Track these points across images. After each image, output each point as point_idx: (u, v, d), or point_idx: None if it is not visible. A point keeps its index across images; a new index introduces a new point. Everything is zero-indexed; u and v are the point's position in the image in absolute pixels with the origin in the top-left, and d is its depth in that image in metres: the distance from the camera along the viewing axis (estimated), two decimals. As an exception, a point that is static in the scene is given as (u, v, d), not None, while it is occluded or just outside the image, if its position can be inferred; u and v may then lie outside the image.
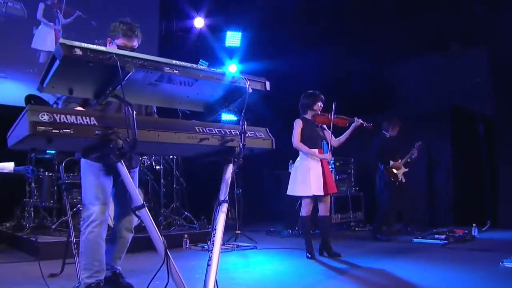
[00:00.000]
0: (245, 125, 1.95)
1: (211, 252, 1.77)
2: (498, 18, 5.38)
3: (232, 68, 6.44)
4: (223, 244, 3.21)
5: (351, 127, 3.53)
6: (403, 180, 4.94)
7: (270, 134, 2.23)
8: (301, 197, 3.40)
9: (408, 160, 5.00)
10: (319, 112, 3.53)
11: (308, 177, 3.38)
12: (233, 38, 6.35)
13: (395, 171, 4.90)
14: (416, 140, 5.17)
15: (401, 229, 4.99)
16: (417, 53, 6.08)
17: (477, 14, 5.43)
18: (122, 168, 1.63)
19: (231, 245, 4.13)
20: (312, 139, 3.48)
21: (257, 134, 2.25)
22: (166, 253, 1.59)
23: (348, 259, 3.49)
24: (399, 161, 4.98)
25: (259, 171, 6.80)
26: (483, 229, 5.13)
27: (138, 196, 1.71)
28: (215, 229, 1.81)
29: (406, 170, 4.99)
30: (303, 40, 6.29)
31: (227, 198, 1.91)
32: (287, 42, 6.33)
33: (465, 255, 3.67)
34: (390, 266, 3.17)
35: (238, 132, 1.94)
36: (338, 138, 3.60)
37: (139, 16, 4.71)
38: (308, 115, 3.54)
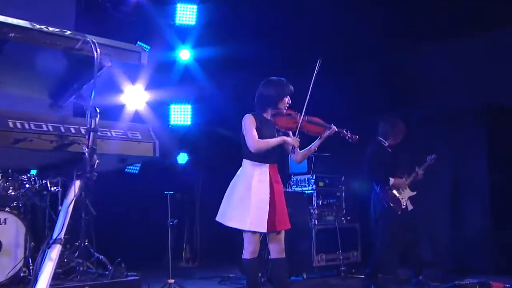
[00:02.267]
0: (97, 119, 1.71)
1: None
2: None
3: (184, 54, 6.19)
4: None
5: (321, 136, 3.20)
6: (409, 207, 4.56)
7: (153, 135, 1.85)
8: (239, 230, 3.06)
9: (412, 178, 4.62)
10: (284, 111, 3.17)
11: (247, 202, 3.03)
12: (186, 13, 6.02)
13: (396, 193, 4.52)
14: (434, 151, 4.75)
15: (409, 279, 4.65)
16: (443, 36, 5.79)
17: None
18: None
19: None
20: (266, 150, 3.11)
21: (129, 135, 1.81)
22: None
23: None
24: (403, 179, 4.59)
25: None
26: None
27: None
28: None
29: (413, 193, 4.61)
30: (287, 14, 5.89)
31: (61, 237, 1.75)
32: (265, 18, 5.94)
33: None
34: None
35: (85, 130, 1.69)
36: (302, 151, 3.25)
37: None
38: (267, 113, 3.19)
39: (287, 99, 3.16)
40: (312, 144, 3.23)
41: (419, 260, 4.65)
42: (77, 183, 1.73)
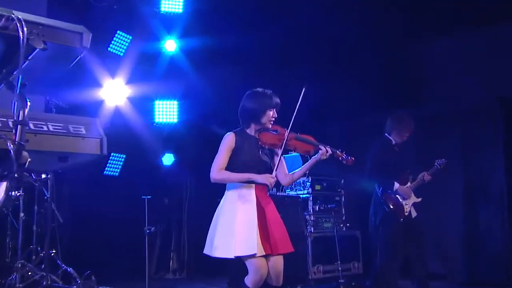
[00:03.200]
0: (26, 110, 1.55)
1: None
2: None
3: (170, 45, 6.02)
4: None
5: (312, 159, 3.08)
6: (413, 214, 4.46)
7: (100, 129, 1.68)
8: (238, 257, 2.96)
9: (418, 183, 4.50)
10: (270, 126, 3.09)
11: (231, 226, 2.96)
12: (172, 0, 5.82)
13: (400, 199, 4.39)
14: (443, 153, 4.69)
15: (412, 292, 4.52)
16: (450, 30, 5.73)
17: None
18: None
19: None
20: (249, 170, 3.03)
21: (71, 129, 1.66)
22: None
23: None
24: (408, 184, 4.47)
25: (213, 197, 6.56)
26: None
27: None
28: None
29: (418, 200, 4.49)
30: (279, 3, 5.79)
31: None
32: (257, 6, 5.84)
33: None
34: None
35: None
36: (292, 173, 3.19)
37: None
38: (251, 129, 3.13)
39: (271, 113, 3.06)
40: (304, 165, 3.13)
41: (424, 273, 4.47)
42: (3, 184, 1.54)
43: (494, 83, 5.41)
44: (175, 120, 6.11)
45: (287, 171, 3.20)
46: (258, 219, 2.94)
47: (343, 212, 5.61)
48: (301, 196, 5.32)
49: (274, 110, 3.08)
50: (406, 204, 4.40)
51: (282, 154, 3.09)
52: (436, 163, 4.50)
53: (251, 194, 3.00)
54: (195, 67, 6.01)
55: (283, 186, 5.20)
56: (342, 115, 6.17)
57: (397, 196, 4.38)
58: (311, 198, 5.32)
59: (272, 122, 3.09)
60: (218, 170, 3.00)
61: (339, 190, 5.62)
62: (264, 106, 3.05)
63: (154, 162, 6.11)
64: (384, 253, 4.37)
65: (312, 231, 5.18)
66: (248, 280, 2.92)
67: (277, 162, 3.06)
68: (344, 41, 5.82)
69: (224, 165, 3.01)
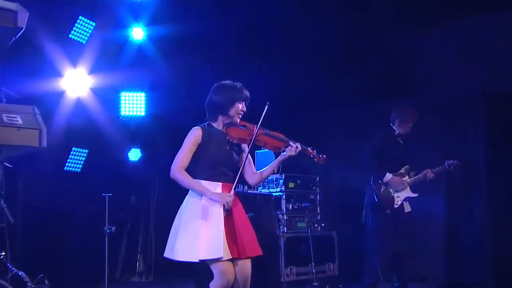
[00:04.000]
0: None
1: None
2: None
3: (137, 33, 5.93)
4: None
5: (280, 155, 3.12)
6: (406, 209, 4.53)
7: (39, 120, 1.63)
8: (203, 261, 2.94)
9: (418, 179, 4.58)
10: (238, 120, 3.12)
11: (195, 228, 2.93)
12: None
13: (392, 191, 4.49)
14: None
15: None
16: (434, 19, 5.78)
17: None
18: None
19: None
20: (216, 166, 3.05)
21: (4, 119, 1.59)
22: None
23: None
24: (406, 178, 4.56)
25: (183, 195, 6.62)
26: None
27: None
28: None
29: (414, 195, 4.58)
30: None
31: None
32: None
33: None
34: None
35: None
36: (261, 171, 3.21)
37: None
38: (218, 123, 3.14)
39: (240, 106, 3.08)
40: (272, 163, 3.12)
41: (405, 274, 4.54)
42: None
43: (477, 76, 5.47)
44: (142, 113, 6.04)
45: (255, 169, 3.20)
46: (224, 220, 2.93)
47: (318, 211, 5.61)
48: (273, 194, 5.30)
49: (243, 103, 3.09)
50: (398, 197, 4.47)
51: (250, 151, 3.09)
52: (446, 163, 4.59)
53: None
54: (164, 56, 5.94)
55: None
56: (321, 108, 6.19)
57: (388, 187, 4.46)
58: (284, 196, 5.31)
59: (240, 116, 3.10)
60: (179, 168, 2.97)
61: (314, 187, 5.61)
62: (233, 99, 3.06)
63: (119, 158, 6.04)
64: (373, 245, 4.45)
65: (285, 231, 5.18)
66: (213, 285, 2.90)
67: (245, 159, 3.05)
68: (325, 30, 5.78)
69: (187, 162, 2.99)
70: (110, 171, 5.80)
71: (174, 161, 2.98)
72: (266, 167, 3.17)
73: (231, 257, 2.88)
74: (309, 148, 3.11)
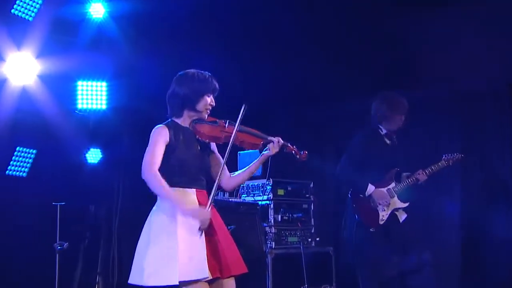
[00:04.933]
0: None
1: None
2: None
3: (97, 9, 5.62)
4: None
5: (261, 155, 3.19)
6: (401, 217, 4.42)
7: None
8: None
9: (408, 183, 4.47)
10: (206, 116, 3.16)
11: (171, 245, 2.89)
12: None
13: (376, 206, 4.34)
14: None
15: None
16: None
17: None
18: None
19: None
20: (187, 170, 3.06)
21: None
22: None
23: None
24: (391, 185, 4.39)
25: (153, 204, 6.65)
26: None
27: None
28: None
29: (405, 205, 4.43)
30: None
31: None
32: None
33: None
34: None
35: None
36: (235, 174, 3.29)
37: None
38: (184, 119, 3.15)
39: (209, 99, 3.09)
40: (251, 164, 3.18)
41: None
42: None
43: (505, 64, 5.46)
44: (104, 106, 5.74)
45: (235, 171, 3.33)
46: (205, 234, 2.92)
47: (313, 223, 5.60)
48: (259, 203, 5.25)
49: (212, 96, 3.09)
50: (384, 211, 4.33)
51: (229, 151, 3.05)
52: (444, 157, 4.42)
53: (193, 202, 2.97)
54: (130, 38, 5.66)
55: (237, 190, 5.25)
56: (318, 103, 6.21)
57: (371, 201, 4.33)
58: (272, 205, 5.26)
59: (209, 111, 3.10)
60: (152, 165, 2.89)
61: (307, 195, 5.61)
62: (200, 90, 3.05)
63: (75, 160, 5.75)
64: (362, 273, 4.37)
65: (273, 246, 5.13)
66: None
67: (223, 162, 3.02)
68: (317, 10, 5.73)
69: (159, 159, 2.93)
70: (64, 175, 5.59)
71: (144, 158, 2.93)
72: (244, 169, 3.20)
73: (211, 277, 2.86)
74: (288, 144, 3.19)
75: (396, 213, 4.41)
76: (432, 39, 5.92)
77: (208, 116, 3.12)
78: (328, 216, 5.93)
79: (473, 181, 5.66)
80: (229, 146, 3.02)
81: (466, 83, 5.69)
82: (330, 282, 5.41)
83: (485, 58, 5.53)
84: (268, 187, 5.27)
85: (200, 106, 3.05)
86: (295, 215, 5.46)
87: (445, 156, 4.45)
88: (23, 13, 4.98)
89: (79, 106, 5.70)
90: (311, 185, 5.65)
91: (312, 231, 5.57)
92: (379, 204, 4.35)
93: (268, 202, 5.27)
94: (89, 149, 5.85)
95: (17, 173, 5.31)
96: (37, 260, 5.15)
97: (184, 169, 3.00)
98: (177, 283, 2.80)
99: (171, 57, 5.52)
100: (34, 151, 5.38)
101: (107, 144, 5.94)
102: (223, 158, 3.07)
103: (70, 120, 5.59)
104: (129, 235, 5.91)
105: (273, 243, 5.14)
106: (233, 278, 3.01)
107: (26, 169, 5.37)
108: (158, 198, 3.03)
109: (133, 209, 5.91)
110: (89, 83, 5.70)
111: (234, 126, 3.07)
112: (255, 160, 3.18)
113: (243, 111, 3.04)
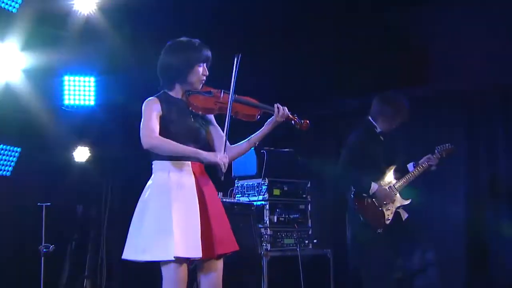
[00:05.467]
0: None
1: None
2: None
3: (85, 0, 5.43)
4: None
5: (267, 124, 3.14)
6: (404, 216, 4.44)
7: None
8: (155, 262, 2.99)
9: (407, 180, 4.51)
10: (200, 86, 3.10)
11: (166, 220, 2.89)
12: None
13: (379, 205, 4.36)
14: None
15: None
16: None
17: None
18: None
19: None
20: (181, 142, 3.00)
21: None
22: None
23: None
24: (392, 183, 4.42)
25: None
26: None
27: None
28: None
29: (407, 202, 4.46)
30: None
31: None
32: None
33: None
34: None
35: None
36: (236, 145, 3.23)
37: None
38: (176, 91, 3.11)
39: (201, 69, 3.01)
40: (253, 135, 3.11)
41: None
42: None
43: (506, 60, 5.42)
44: (92, 103, 5.71)
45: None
46: (200, 210, 2.92)
47: (310, 224, 5.58)
48: (254, 203, 5.21)
49: (204, 65, 3.01)
50: (388, 210, 4.35)
51: (228, 122, 2.99)
52: (437, 150, 4.45)
53: (188, 174, 2.94)
54: (120, 31, 5.56)
55: (231, 190, 5.26)
56: (320, 99, 6.19)
57: (375, 200, 4.33)
58: (267, 206, 5.23)
59: (202, 81, 3.02)
60: (151, 132, 2.85)
61: (304, 195, 5.57)
62: (191, 60, 2.97)
63: (62, 159, 5.75)
64: (369, 278, 4.34)
65: (269, 249, 5.10)
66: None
67: (221, 135, 3.00)
68: (316, 6, 5.68)
69: (157, 128, 2.88)
70: (50, 174, 5.60)
71: (141, 130, 2.88)
72: (243, 142, 3.10)
73: (203, 258, 2.89)
74: (289, 113, 3.14)
75: (399, 211, 4.44)
76: (435, 34, 5.85)
77: (203, 85, 3.06)
78: (326, 217, 5.94)
79: (478, 181, 5.62)
80: (227, 118, 2.97)
81: (471, 82, 5.66)
82: (328, 285, 5.39)
83: (491, 56, 5.47)
84: (264, 187, 5.27)
85: (192, 77, 2.99)
86: (291, 216, 5.48)
87: (438, 148, 4.53)
88: (7, 3, 4.86)
89: (66, 102, 5.68)
90: (308, 185, 5.66)
91: (309, 232, 5.58)
92: (384, 202, 4.38)
93: (263, 202, 5.28)
94: (76, 147, 5.85)
95: (1, 172, 5.31)
96: (21, 264, 5.19)
97: (178, 142, 2.95)
98: (173, 258, 2.81)
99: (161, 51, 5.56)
100: (19, 149, 5.40)
101: (96, 142, 5.96)
102: (222, 130, 3.03)
103: (56, 116, 5.58)
104: (119, 237, 6.02)
105: (269, 245, 5.15)
106: (221, 260, 3.02)
107: (10, 168, 5.38)
108: (153, 173, 3.01)
109: (123, 210, 5.90)
110: (77, 78, 5.68)
111: (227, 94, 3.01)
112: (261, 130, 3.11)
113: (237, 61, 2.96)
